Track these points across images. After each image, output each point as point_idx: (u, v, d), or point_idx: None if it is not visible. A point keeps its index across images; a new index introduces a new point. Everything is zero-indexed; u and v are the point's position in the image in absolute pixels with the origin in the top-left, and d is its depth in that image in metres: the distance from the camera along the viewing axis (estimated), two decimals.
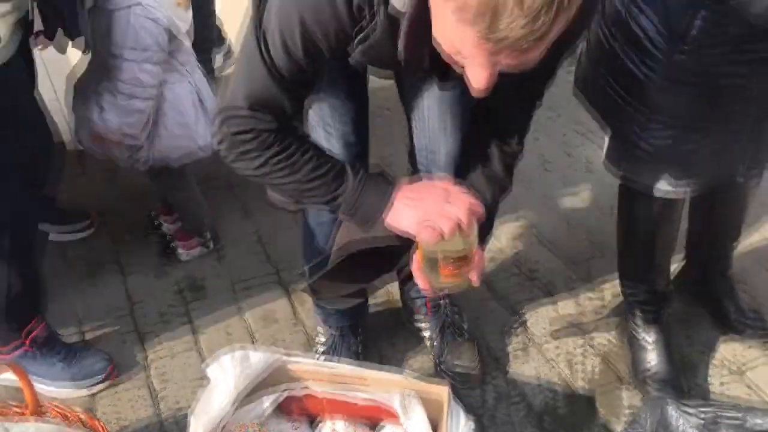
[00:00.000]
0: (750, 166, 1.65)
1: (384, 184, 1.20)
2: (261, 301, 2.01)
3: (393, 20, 1.00)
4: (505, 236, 2.25)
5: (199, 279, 2.09)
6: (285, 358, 1.47)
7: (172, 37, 1.83)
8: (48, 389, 1.70)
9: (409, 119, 1.54)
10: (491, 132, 1.31)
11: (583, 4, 0.86)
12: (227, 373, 1.41)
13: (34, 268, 1.68)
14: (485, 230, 1.35)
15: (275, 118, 1.12)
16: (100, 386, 1.74)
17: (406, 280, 1.79)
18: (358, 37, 1.05)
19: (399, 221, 1.18)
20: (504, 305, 2.01)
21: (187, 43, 1.92)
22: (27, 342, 1.68)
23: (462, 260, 1.24)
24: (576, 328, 1.94)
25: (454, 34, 0.86)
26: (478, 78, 0.90)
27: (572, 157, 2.66)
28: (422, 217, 1.14)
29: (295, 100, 1.14)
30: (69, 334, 1.87)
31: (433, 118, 1.46)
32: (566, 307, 2.01)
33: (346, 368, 1.49)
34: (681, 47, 1.41)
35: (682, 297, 1.99)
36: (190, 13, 2.31)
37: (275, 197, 2.38)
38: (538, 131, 2.78)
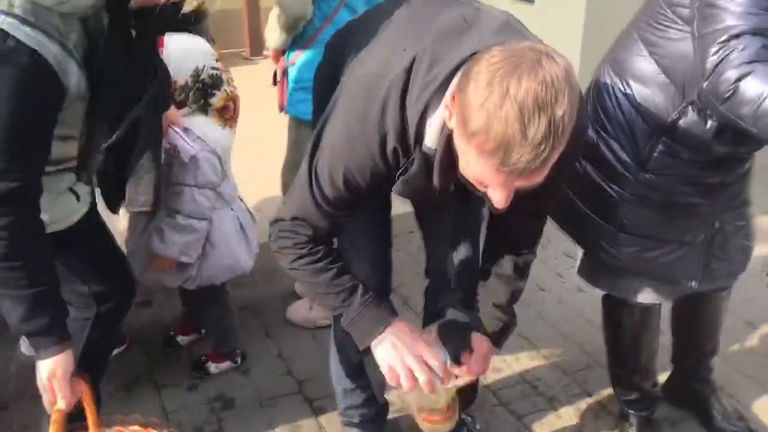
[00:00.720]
0: (710, 277, 1.87)
1: (383, 315, 1.45)
2: (287, 414, 2.16)
3: (427, 157, 1.27)
4: (507, 351, 2.45)
5: (228, 394, 2.25)
6: None
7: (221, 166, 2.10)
8: None
9: (425, 237, 1.80)
10: (506, 243, 1.56)
11: (575, 129, 1.12)
12: None
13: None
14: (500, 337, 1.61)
15: (312, 230, 1.40)
16: None
17: None
18: (399, 171, 1.32)
19: (377, 352, 1.43)
20: (510, 412, 2.18)
21: (230, 175, 2.19)
22: None
23: (434, 412, 1.42)
24: None
25: (477, 166, 1.13)
26: (498, 198, 1.16)
27: (563, 278, 2.91)
28: (393, 363, 1.39)
29: (331, 223, 1.42)
30: None
31: (446, 236, 1.72)
32: (567, 413, 2.19)
33: None
34: (645, 169, 1.67)
35: (672, 401, 2.17)
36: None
37: (294, 317, 2.61)
38: None
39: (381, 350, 1.43)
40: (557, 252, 3.08)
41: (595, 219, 1.79)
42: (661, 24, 1.60)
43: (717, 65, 1.39)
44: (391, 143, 1.28)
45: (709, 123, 1.60)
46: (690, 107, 1.60)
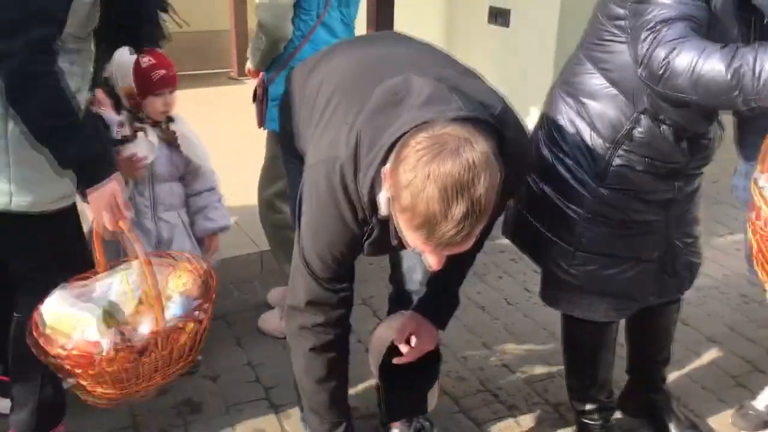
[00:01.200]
0: (661, 291, 1.95)
1: None
2: (252, 419, 2.22)
3: (383, 222, 1.40)
4: (471, 360, 2.52)
5: (195, 399, 2.30)
6: None
7: None
8: None
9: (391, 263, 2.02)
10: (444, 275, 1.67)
11: (504, 192, 1.27)
12: None
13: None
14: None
15: (324, 315, 1.60)
16: None
17: (388, 393, 2.08)
18: (365, 238, 1.48)
19: None
20: (471, 419, 2.24)
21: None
22: None
23: None
24: None
25: (409, 237, 1.27)
26: (430, 262, 1.31)
27: (530, 293, 2.98)
28: None
29: (336, 296, 1.59)
30: None
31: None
32: (526, 420, 2.25)
33: None
34: (603, 184, 1.74)
35: (628, 412, 2.23)
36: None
37: (265, 327, 2.67)
38: (502, 272, 3.14)
39: None
40: (526, 268, 3.16)
41: (553, 239, 1.85)
42: (604, 40, 1.68)
43: (647, 49, 1.48)
44: (359, 213, 1.43)
45: (663, 128, 1.67)
46: (642, 116, 1.68)
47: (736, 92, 1.41)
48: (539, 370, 2.50)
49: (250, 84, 2.69)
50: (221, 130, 4.17)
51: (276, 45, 2.36)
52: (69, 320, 1.53)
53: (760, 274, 1.65)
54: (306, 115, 1.64)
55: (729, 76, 1.40)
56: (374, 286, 2.81)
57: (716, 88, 1.42)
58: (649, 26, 1.49)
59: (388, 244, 1.47)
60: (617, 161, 1.73)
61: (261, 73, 2.53)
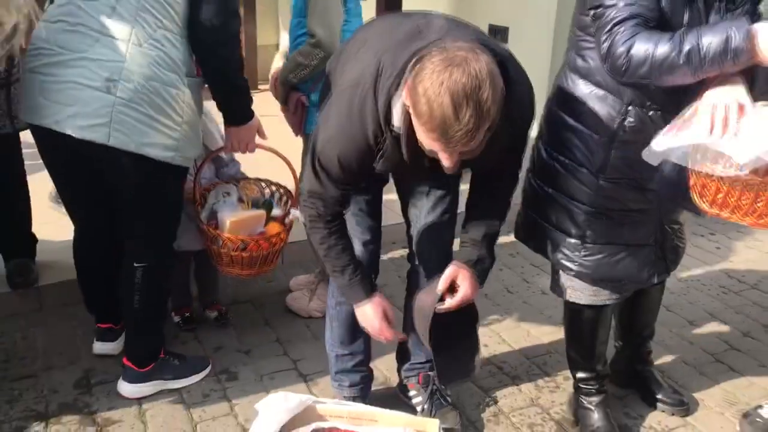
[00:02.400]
0: (658, 272, 2.18)
1: (366, 290, 1.93)
2: (283, 386, 2.47)
3: (396, 138, 1.66)
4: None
5: (232, 369, 2.57)
6: (314, 399, 1.95)
7: None
8: None
9: (406, 219, 2.19)
10: (478, 214, 1.93)
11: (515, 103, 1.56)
12: (271, 408, 1.88)
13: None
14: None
15: (323, 203, 1.82)
16: None
17: (403, 360, 2.34)
18: (379, 155, 1.71)
19: (358, 314, 1.97)
20: (479, 387, 2.51)
21: None
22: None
23: None
24: (536, 406, 2.44)
25: (425, 140, 1.52)
26: (446, 163, 1.54)
27: (529, 284, 3.28)
28: (364, 324, 1.98)
29: (335, 196, 1.81)
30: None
31: (423, 215, 2.12)
32: (527, 388, 2.52)
33: (361, 409, 1.96)
34: (603, 177, 1.96)
35: (618, 382, 2.50)
36: None
37: (293, 304, 2.94)
38: (503, 265, 3.42)
39: (359, 313, 1.95)
40: (525, 262, 3.45)
41: (561, 234, 2.07)
42: (583, 49, 1.94)
43: (608, 49, 1.76)
44: (371, 129, 1.67)
45: (651, 114, 1.88)
46: (630, 107, 1.89)
47: (687, 68, 1.69)
48: (538, 348, 2.78)
49: (259, 97, 2.87)
50: None
51: (328, 59, 2.41)
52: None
53: (697, 200, 1.81)
54: (341, 69, 1.89)
55: (680, 59, 1.68)
56: (386, 277, 3.09)
57: (671, 69, 1.70)
58: (606, 29, 1.76)
59: (400, 160, 1.69)
60: (615, 153, 1.94)
61: (295, 93, 2.56)
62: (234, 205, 2.57)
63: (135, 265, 2.22)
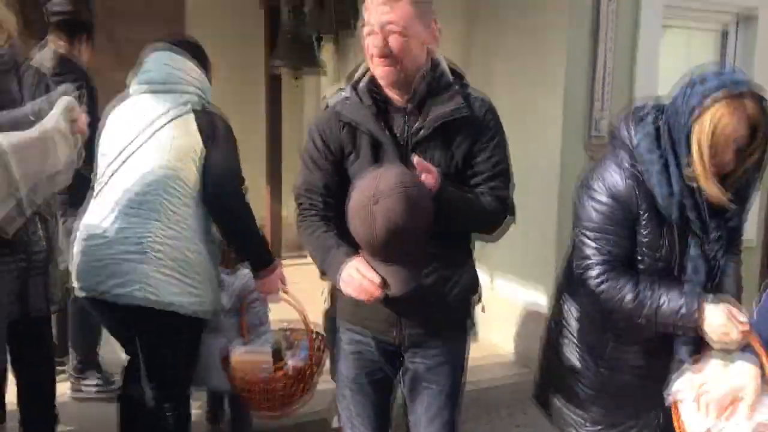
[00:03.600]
0: None
1: (341, 259, 1.94)
2: None
3: (356, 85, 2.03)
4: None
5: None
6: None
7: None
8: None
9: None
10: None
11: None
12: None
13: None
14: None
15: (312, 196, 2.06)
16: None
17: None
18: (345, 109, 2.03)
19: (344, 279, 1.93)
20: None
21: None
22: None
23: None
24: None
25: (365, 39, 1.93)
26: (374, 50, 1.92)
27: None
28: (347, 280, 1.92)
29: (324, 179, 2.05)
30: None
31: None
32: None
33: None
34: (602, 364, 2.14)
35: None
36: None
37: None
38: None
39: (344, 277, 1.92)
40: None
41: (567, 412, 2.25)
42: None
43: (583, 281, 2.04)
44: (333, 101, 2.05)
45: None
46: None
47: (641, 319, 1.98)
48: None
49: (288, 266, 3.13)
50: None
51: None
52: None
53: None
54: None
55: (638, 317, 1.97)
56: None
57: (628, 316, 2.00)
58: (579, 270, 2.05)
59: (362, 112, 1.98)
60: (611, 344, 2.13)
61: None
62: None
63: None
